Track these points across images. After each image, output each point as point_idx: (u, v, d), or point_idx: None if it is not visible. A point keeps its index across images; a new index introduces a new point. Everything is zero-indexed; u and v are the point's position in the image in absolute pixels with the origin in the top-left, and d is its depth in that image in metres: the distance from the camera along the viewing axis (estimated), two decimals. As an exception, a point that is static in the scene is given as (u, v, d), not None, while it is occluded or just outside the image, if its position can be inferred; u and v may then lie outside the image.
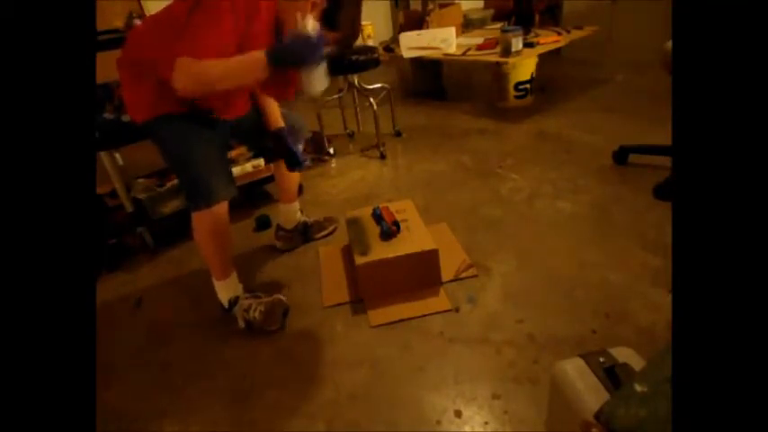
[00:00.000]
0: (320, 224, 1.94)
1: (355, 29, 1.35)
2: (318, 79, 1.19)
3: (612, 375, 0.74)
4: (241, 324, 1.47)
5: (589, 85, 3.20)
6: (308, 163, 1.53)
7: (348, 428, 1.13)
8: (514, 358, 1.24)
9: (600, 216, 1.79)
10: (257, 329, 1.46)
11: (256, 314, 1.45)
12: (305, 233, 1.90)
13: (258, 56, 1.12)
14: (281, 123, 1.55)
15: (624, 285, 1.43)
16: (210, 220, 1.33)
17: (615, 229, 1.70)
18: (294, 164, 1.52)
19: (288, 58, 1.14)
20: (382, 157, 2.62)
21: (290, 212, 1.84)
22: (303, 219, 1.89)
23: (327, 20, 1.24)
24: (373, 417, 1.15)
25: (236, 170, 2.12)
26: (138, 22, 1.90)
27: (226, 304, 1.48)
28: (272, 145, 1.53)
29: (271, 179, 2.22)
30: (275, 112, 1.55)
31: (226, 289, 1.48)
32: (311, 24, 1.12)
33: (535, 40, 2.85)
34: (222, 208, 1.34)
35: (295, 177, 1.77)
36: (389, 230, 1.54)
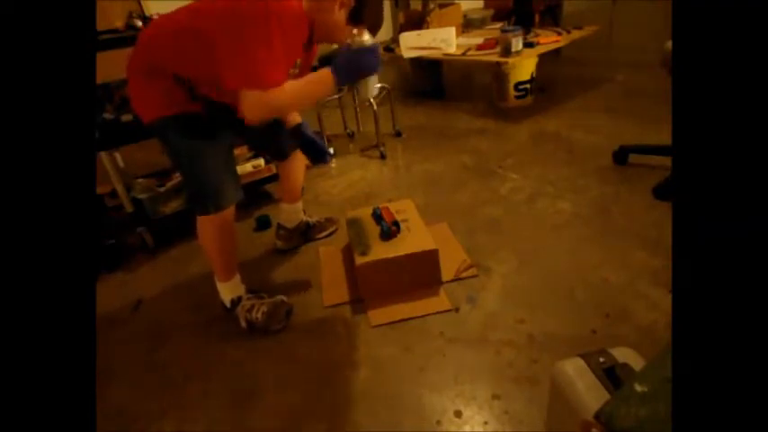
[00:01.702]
0: (321, 224, 1.94)
1: (379, 19, 1.36)
2: (374, 85, 1.31)
3: (612, 375, 0.74)
4: (243, 324, 1.47)
5: (589, 85, 3.20)
6: (331, 154, 1.51)
7: (348, 428, 1.13)
8: (514, 358, 1.24)
9: (600, 216, 1.79)
10: (259, 330, 1.46)
11: (259, 315, 1.45)
12: (306, 233, 1.90)
13: (325, 77, 1.19)
14: (299, 119, 1.55)
15: (624, 285, 1.43)
16: (219, 223, 1.34)
17: (615, 229, 1.70)
18: (319, 156, 1.49)
19: (354, 73, 1.22)
20: (382, 157, 2.62)
21: (293, 212, 1.84)
22: (305, 219, 1.89)
23: (353, 15, 1.27)
24: (373, 417, 1.15)
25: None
26: (138, 22, 1.90)
27: (228, 304, 1.48)
28: (295, 140, 1.50)
29: (270, 179, 2.22)
30: None
31: (229, 289, 1.48)
32: (367, 36, 1.23)
33: (535, 40, 2.85)
34: (230, 211, 1.35)
35: (299, 177, 1.77)
36: (389, 230, 1.54)
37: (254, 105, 1.14)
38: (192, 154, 1.30)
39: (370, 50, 1.21)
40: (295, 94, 1.19)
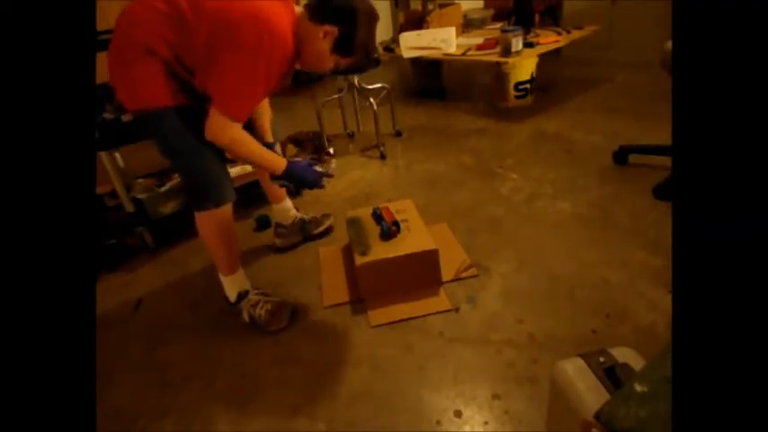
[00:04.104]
0: (317, 220, 1.94)
1: (369, 53, 1.35)
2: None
3: (612, 375, 0.74)
4: (245, 318, 1.47)
5: (589, 85, 3.19)
6: (328, 176, 1.45)
7: (348, 428, 1.13)
8: (514, 358, 1.24)
9: (600, 216, 1.79)
10: (260, 327, 1.46)
11: (263, 312, 1.45)
12: (303, 229, 1.90)
13: (279, 165, 1.33)
14: (270, 138, 1.58)
15: (624, 285, 1.43)
16: (218, 219, 1.34)
17: (615, 228, 1.70)
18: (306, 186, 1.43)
19: (294, 181, 1.37)
20: (382, 157, 2.62)
21: (284, 210, 1.84)
22: (300, 215, 1.89)
23: (341, 46, 1.27)
24: (373, 417, 1.15)
25: (236, 170, 2.12)
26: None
27: (234, 298, 1.49)
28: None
29: (271, 179, 2.22)
30: (266, 123, 1.57)
31: (234, 283, 1.48)
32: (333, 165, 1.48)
33: (535, 40, 2.85)
34: (228, 207, 1.35)
35: None
36: (389, 230, 1.54)
37: (218, 129, 1.20)
38: (191, 150, 1.27)
39: (315, 177, 1.38)
40: (252, 152, 1.29)
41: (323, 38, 1.24)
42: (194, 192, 1.35)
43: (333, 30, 1.23)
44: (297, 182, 1.38)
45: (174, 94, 1.22)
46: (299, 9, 1.28)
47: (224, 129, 1.20)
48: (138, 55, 1.18)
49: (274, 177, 1.36)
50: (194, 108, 1.25)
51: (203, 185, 1.31)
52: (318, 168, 1.42)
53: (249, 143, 1.27)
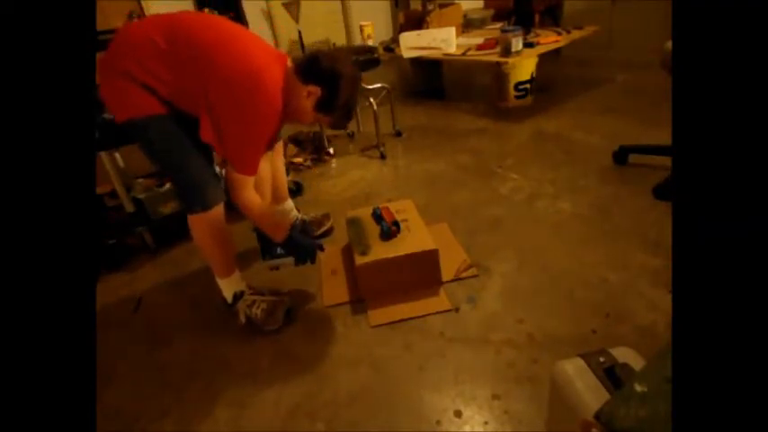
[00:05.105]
0: (318, 220, 1.94)
1: (349, 113, 1.41)
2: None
3: (612, 375, 0.74)
4: (242, 319, 1.47)
5: (589, 85, 3.20)
6: (321, 249, 1.48)
7: (348, 428, 1.13)
8: (514, 358, 1.24)
9: (600, 216, 1.79)
10: (257, 327, 1.46)
11: (259, 311, 1.45)
12: (304, 231, 1.90)
13: (281, 229, 1.41)
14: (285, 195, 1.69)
15: (624, 285, 1.43)
16: (209, 221, 1.34)
17: (615, 228, 1.70)
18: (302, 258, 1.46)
19: (291, 251, 1.46)
20: (382, 157, 2.62)
21: (285, 212, 1.84)
22: (301, 216, 1.89)
23: (323, 105, 1.32)
24: (373, 417, 1.15)
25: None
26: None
27: (230, 299, 1.49)
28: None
29: (271, 179, 2.22)
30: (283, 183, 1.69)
31: (230, 285, 1.48)
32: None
33: (535, 40, 2.85)
34: (219, 209, 1.35)
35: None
36: (389, 230, 1.54)
37: (238, 184, 1.29)
38: (174, 155, 1.29)
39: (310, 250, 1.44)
40: (262, 215, 1.40)
41: (306, 96, 1.30)
42: (183, 196, 1.37)
43: (316, 90, 1.29)
44: (290, 252, 1.47)
45: (158, 104, 1.24)
46: (290, 64, 1.35)
47: (242, 184, 1.29)
48: (123, 74, 1.22)
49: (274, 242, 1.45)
50: (178, 116, 1.28)
51: (190, 189, 1.32)
52: (316, 233, 1.51)
53: (259, 212, 1.38)
